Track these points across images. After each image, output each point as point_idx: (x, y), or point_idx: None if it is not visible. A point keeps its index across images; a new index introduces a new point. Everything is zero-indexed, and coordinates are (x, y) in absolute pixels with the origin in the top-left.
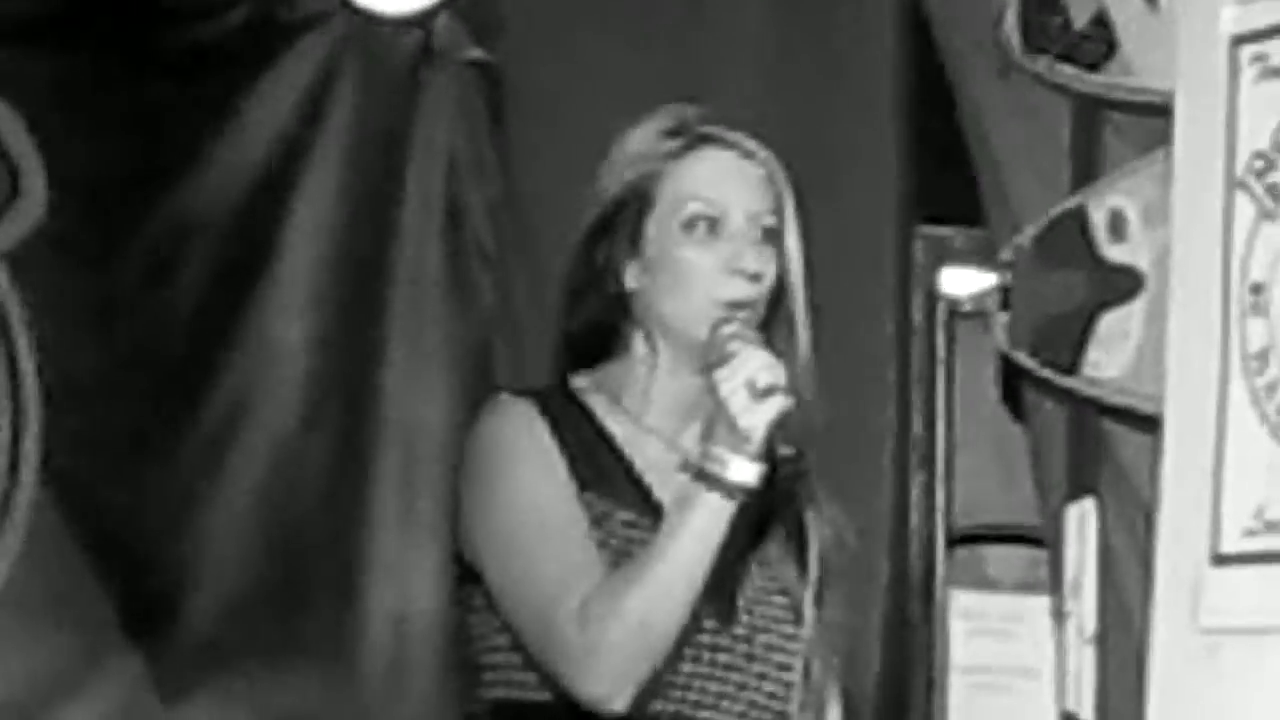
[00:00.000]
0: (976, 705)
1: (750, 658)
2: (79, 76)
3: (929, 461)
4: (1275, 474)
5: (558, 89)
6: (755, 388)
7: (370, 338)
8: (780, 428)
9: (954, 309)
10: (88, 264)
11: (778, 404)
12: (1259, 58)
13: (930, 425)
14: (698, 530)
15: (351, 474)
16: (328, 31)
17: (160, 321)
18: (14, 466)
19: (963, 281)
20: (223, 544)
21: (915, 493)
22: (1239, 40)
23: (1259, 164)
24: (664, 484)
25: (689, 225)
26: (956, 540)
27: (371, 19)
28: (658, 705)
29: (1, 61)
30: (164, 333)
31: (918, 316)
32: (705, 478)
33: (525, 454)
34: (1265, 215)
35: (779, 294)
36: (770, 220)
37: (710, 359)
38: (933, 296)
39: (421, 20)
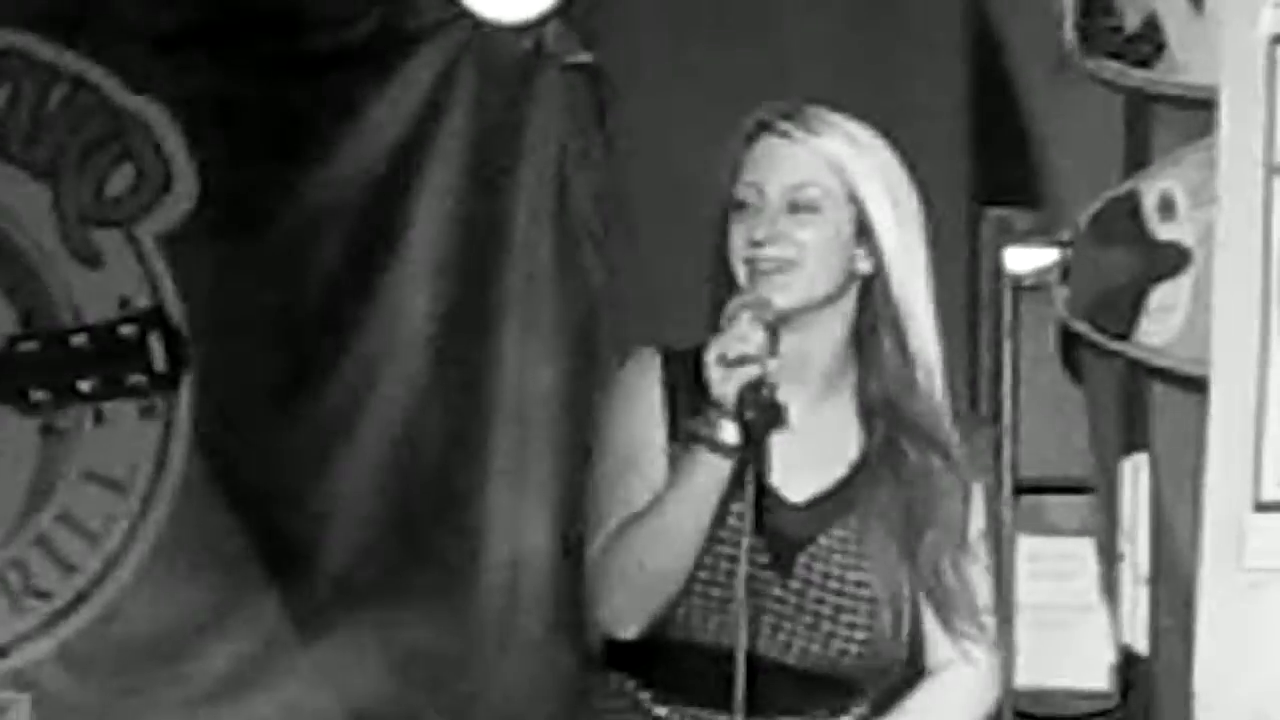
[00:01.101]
0: (1040, 639)
1: (800, 609)
2: (224, 78)
3: (996, 420)
4: None
5: (655, 87)
6: (726, 358)
7: (487, 310)
8: (753, 391)
9: (1018, 283)
10: (233, 247)
11: (746, 374)
12: None
13: (997, 388)
14: (693, 485)
15: (470, 432)
16: (449, 37)
17: (298, 296)
18: (168, 427)
19: (1026, 258)
20: (354, 495)
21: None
22: (1277, 39)
23: None
24: None
25: (738, 209)
26: (1021, 490)
27: (488, 26)
28: (726, 640)
29: (153, 68)
30: (301, 306)
31: (985, 290)
32: (698, 439)
33: (630, 400)
34: None
35: (882, 279)
36: (809, 194)
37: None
38: (998, 272)
39: (533, 26)
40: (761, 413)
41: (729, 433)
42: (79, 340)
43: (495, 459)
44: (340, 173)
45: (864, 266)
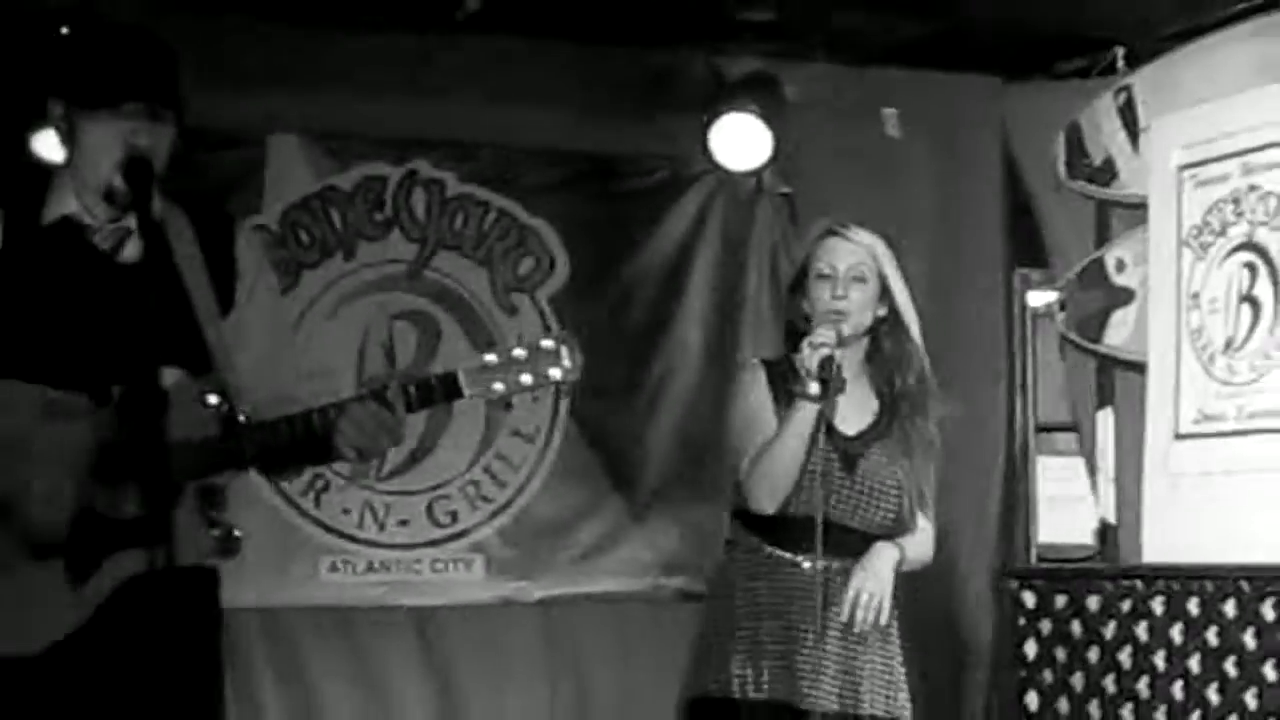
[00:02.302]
0: (1051, 517)
1: (857, 494)
2: (582, 205)
3: (1024, 389)
4: (1207, 391)
5: (825, 204)
6: (812, 344)
7: (732, 338)
8: (826, 365)
9: (1035, 313)
10: (589, 302)
11: (822, 352)
12: (1193, 176)
13: (1025, 372)
14: (795, 423)
15: (725, 407)
16: (707, 181)
17: (627, 329)
18: (555, 407)
19: (1039, 298)
20: (661, 441)
21: (1018, 405)
22: (1182, 168)
23: (1194, 231)
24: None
25: (819, 278)
26: (1039, 429)
27: (731, 173)
28: (824, 511)
29: (543, 200)
30: (628, 336)
31: (1015, 318)
32: (798, 394)
33: (750, 388)
34: (1198, 259)
35: (894, 317)
36: (860, 270)
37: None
38: (1024, 306)
39: (756, 172)
40: (831, 377)
41: (814, 389)
42: (519, 352)
43: None
44: (648, 259)
45: (881, 312)
